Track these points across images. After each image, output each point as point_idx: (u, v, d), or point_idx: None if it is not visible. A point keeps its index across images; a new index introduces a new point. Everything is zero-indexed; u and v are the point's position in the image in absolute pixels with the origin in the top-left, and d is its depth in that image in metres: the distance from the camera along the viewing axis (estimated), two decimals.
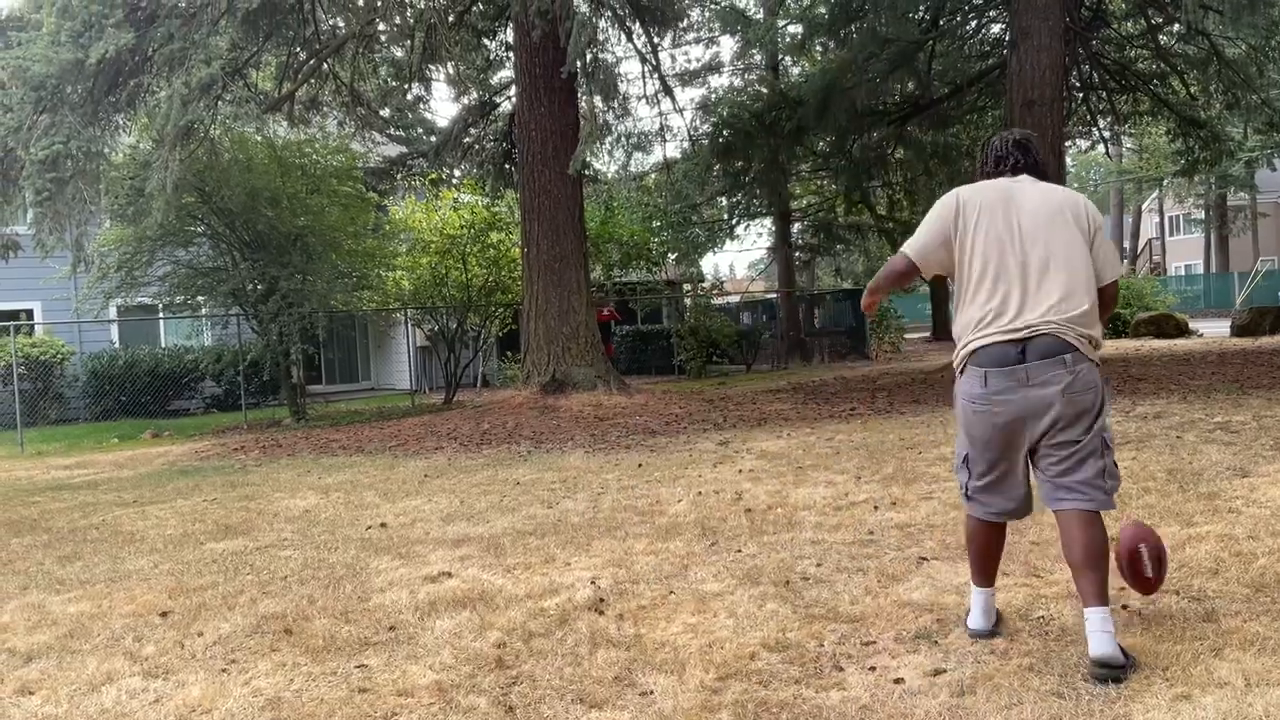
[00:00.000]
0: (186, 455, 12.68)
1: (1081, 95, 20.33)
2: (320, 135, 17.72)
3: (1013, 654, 3.69)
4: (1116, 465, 3.71)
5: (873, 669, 3.64)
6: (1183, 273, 53.71)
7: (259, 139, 16.22)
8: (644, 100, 39.06)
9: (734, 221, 28.35)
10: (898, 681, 3.51)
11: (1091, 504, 3.60)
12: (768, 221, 30.39)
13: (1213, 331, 23.80)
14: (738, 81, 26.64)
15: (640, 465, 9.02)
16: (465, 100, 19.45)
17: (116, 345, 20.80)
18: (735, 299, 29.81)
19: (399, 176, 20.86)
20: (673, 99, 18.75)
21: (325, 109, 17.94)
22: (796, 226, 29.10)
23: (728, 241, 30.03)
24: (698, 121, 23.66)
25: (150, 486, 9.93)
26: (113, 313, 19.54)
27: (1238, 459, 7.01)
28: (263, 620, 4.79)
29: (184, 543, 6.87)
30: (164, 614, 5.02)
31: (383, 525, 7.04)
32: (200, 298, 16.86)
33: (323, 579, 5.54)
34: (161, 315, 19.58)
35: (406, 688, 3.76)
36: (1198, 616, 3.92)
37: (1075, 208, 3.77)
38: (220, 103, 14.33)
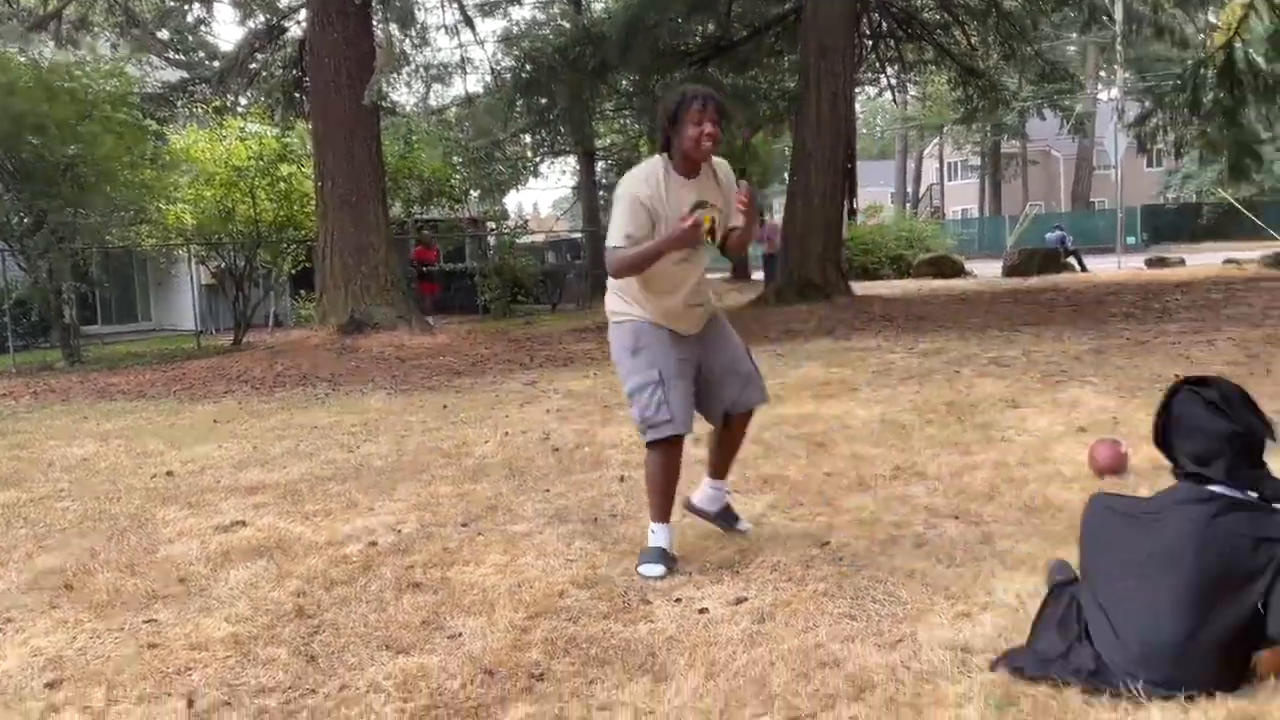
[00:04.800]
0: None
1: (871, 43, 21.07)
2: (91, 58, 16.41)
3: (809, 580, 3.85)
4: (637, 407, 4.05)
5: (678, 600, 3.74)
6: (960, 216, 56.83)
7: (22, 60, 14.91)
8: (443, 30, 37.98)
9: (538, 159, 28.16)
10: (702, 611, 3.61)
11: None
12: (572, 160, 30.31)
13: (986, 272, 25.34)
14: (540, 15, 26.28)
15: (445, 407, 8.90)
16: (251, 23, 18.43)
17: None
18: (540, 238, 29.64)
19: (179, 103, 19.56)
20: (473, 30, 18.46)
21: (97, 29, 16.62)
22: (601, 165, 29.13)
23: (531, 179, 29.80)
24: (500, 55, 23.23)
25: None
26: None
27: (1009, 391, 7.51)
28: (40, 576, 4.49)
29: None
30: None
31: (169, 473, 6.69)
32: None
33: (105, 531, 5.23)
34: None
35: (200, 641, 3.61)
36: (975, 539, 4.20)
37: None
38: None
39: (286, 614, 3.84)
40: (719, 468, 4.41)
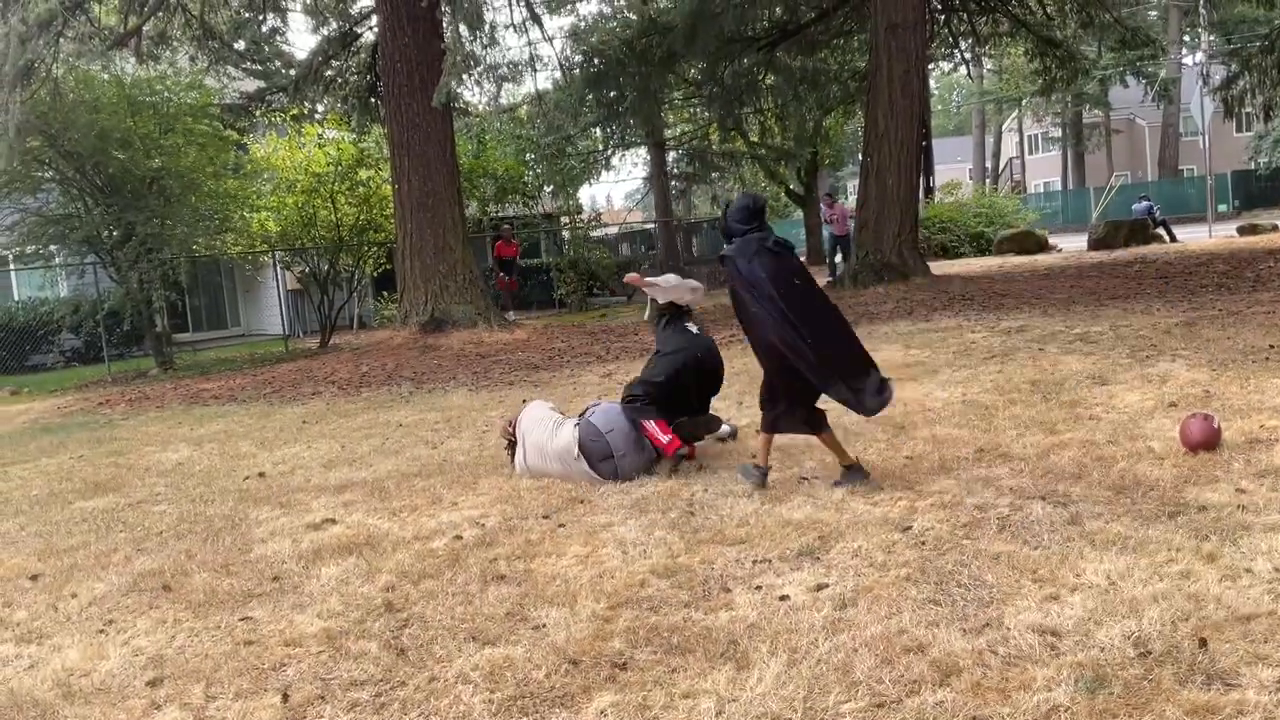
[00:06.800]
0: (49, 412, 12.14)
1: (943, 17, 20.65)
2: (171, 72, 16.87)
3: (891, 566, 3.82)
4: None
5: (759, 588, 3.73)
6: (1042, 190, 55.50)
7: (105, 77, 15.37)
8: (511, 29, 37.94)
9: (609, 152, 28.15)
10: (783, 598, 3.60)
11: None
12: (643, 151, 30.30)
13: (1071, 246, 24.73)
14: (606, 8, 26.22)
15: (524, 401, 8.97)
16: (325, 31, 18.73)
17: None
18: (614, 230, 29.71)
19: (258, 113, 19.96)
20: (541, 27, 18.47)
21: (175, 43, 17.05)
22: (672, 155, 29.07)
23: (604, 172, 29.79)
24: (568, 50, 23.23)
25: (11, 446, 9.49)
26: None
27: (1097, 368, 7.33)
28: (139, 578, 4.65)
29: (51, 502, 6.60)
30: (34, 577, 4.83)
31: (261, 475, 6.87)
32: (53, 247, 16.04)
33: (200, 533, 5.40)
34: (13, 267, 18.57)
35: (294, 637, 3.71)
36: (1063, 520, 4.12)
37: None
38: (61, 39, 13.52)
39: (376, 608, 3.93)
40: None
